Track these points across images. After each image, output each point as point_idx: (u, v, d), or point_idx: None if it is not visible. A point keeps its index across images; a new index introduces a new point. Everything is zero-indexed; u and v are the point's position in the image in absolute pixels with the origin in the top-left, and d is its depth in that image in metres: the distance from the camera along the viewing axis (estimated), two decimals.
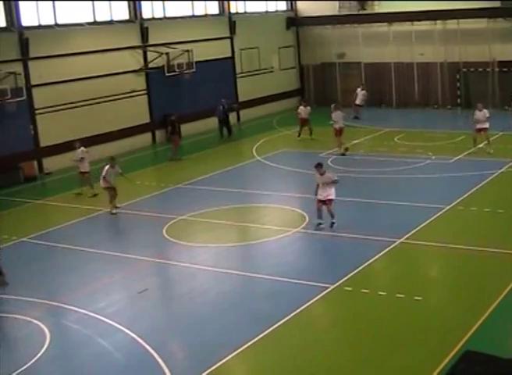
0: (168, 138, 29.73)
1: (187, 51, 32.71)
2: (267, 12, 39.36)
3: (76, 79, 28.48)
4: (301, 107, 30.75)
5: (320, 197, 18.20)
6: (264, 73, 38.58)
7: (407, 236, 17.15)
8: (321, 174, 18.27)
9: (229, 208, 20.84)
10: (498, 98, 35.34)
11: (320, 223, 18.31)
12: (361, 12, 38.22)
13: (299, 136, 30.49)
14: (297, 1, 40.65)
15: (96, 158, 28.59)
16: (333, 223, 18.23)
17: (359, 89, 35.27)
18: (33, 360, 12.15)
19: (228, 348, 12.02)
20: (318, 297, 13.96)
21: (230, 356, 11.79)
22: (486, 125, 25.75)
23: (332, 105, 28.51)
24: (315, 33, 39.97)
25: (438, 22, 36.27)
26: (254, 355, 12.03)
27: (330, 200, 18.19)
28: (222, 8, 36.10)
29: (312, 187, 22.58)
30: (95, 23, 29.78)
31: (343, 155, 26.67)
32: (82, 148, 23.75)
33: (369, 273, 15.33)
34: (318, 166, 18.46)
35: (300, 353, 11.92)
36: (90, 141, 28.77)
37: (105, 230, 19.90)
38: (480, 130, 25.86)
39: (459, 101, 35.91)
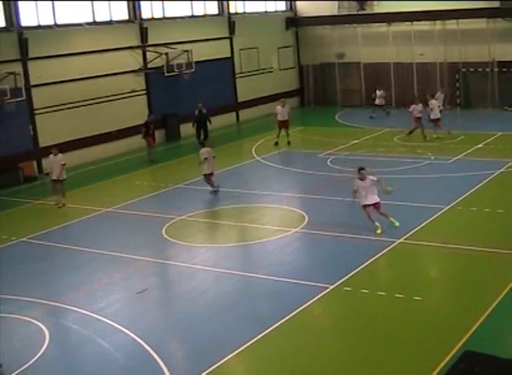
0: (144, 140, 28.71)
1: (186, 51, 32.71)
2: (266, 12, 39.38)
3: (76, 79, 28.48)
4: (413, 105, 28.77)
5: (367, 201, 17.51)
6: (264, 73, 38.59)
7: (407, 236, 17.15)
8: (363, 179, 17.51)
9: (228, 208, 20.85)
10: (498, 98, 35.37)
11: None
12: (361, 12, 38.23)
13: (410, 133, 28.86)
14: (297, 2, 40.66)
15: (96, 158, 28.73)
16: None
17: (378, 91, 34.77)
18: (33, 360, 12.15)
19: (228, 348, 12.01)
20: (317, 297, 13.96)
21: (230, 356, 11.79)
22: (439, 115, 28.55)
23: (282, 100, 30.00)
24: (315, 34, 39.98)
25: (437, 22, 36.29)
26: (253, 355, 12.02)
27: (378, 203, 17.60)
28: (221, 8, 36.11)
29: (312, 187, 22.67)
30: (94, 23, 29.78)
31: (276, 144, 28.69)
32: (60, 154, 22.62)
33: (369, 273, 15.33)
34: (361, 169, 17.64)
35: (300, 353, 11.92)
36: (89, 141, 28.88)
37: (105, 230, 19.88)
38: (435, 120, 28.45)
39: (458, 101, 35.91)
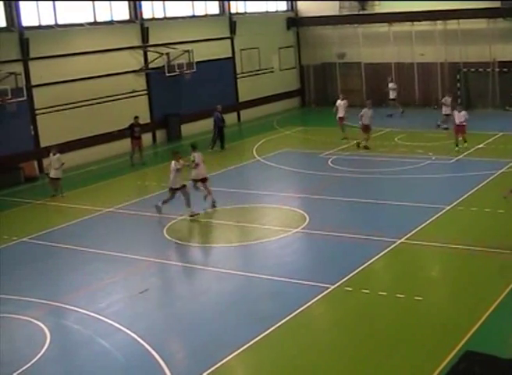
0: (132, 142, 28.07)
1: (187, 51, 32.72)
2: (267, 12, 39.37)
3: (77, 79, 28.48)
4: (455, 111, 26.60)
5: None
6: (265, 73, 38.59)
7: (407, 236, 17.15)
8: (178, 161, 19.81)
9: (229, 208, 20.84)
10: (498, 98, 35.38)
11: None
12: (362, 12, 38.21)
13: (457, 146, 26.33)
14: (298, 2, 40.67)
15: (97, 158, 28.74)
16: None
17: (339, 100, 30.20)
18: (34, 360, 12.15)
19: (228, 348, 12.02)
20: (318, 297, 13.96)
21: (230, 356, 11.79)
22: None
23: (368, 102, 28.80)
24: (315, 34, 39.97)
25: (438, 22, 36.28)
26: (254, 355, 12.03)
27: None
28: (222, 8, 36.12)
29: (312, 187, 22.67)
30: (95, 23, 29.78)
31: (366, 148, 27.53)
32: (58, 154, 23.45)
33: (369, 273, 15.34)
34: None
35: (300, 353, 11.93)
36: (90, 142, 28.90)
37: (105, 230, 19.89)
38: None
39: (459, 101, 35.88)
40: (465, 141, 26.35)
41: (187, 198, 19.89)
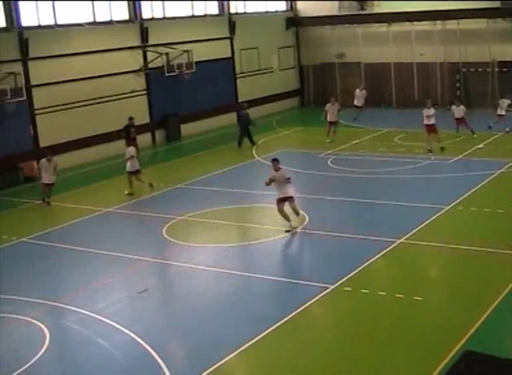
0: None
1: (187, 51, 32.69)
2: (267, 12, 39.36)
3: (76, 79, 28.45)
4: (454, 106, 28.21)
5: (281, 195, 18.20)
6: (264, 73, 38.59)
7: (407, 236, 17.14)
8: (277, 170, 18.28)
9: (228, 208, 20.84)
10: (498, 99, 35.31)
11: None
12: (361, 12, 38.21)
13: (474, 134, 27.89)
14: (297, 2, 40.68)
15: (96, 158, 28.71)
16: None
17: (329, 104, 29.80)
18: (33, 360, 12.14)
19: (228, 348, 12.01)
20: (317, 297, 13.95)
21: (230, 356, 11.78)
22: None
23: (428, 101, 27.55)
24: (315, 34, 39.98)
25: (438, 22, 36.29)
26: (253, 355, 12.02)
27: (290, 197, 18.20)
28: (221, 8, 36.10)
29: (312, 187, 22.66)
30: (95, 23, 29.75)
31: (430, 152, 25.90)
32: (53, 158, 22.36)
33: (369, 273, 15.33)
34: (274, 160, 18.48)
35: (300, 353, 11.92)
36: (90, 142, 28.87)
37: (105, 230, 19.88)
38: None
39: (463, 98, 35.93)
40: (473, 133, 27.81)
41: (294, 208, 18.36)
